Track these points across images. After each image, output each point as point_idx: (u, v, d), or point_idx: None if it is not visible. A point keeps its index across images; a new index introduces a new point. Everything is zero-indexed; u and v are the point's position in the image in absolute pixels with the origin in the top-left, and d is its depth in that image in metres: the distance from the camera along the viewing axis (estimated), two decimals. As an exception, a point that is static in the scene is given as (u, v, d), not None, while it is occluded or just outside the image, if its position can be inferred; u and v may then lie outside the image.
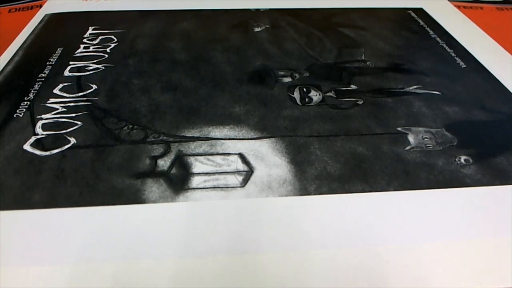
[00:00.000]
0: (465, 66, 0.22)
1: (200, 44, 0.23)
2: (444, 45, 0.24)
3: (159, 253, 0.13)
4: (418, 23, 0.26)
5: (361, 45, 0.24)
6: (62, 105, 0.18)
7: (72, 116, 0.18)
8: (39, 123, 0.17)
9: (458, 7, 0.30)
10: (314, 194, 0.15)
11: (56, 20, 0.26)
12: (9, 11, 0.29)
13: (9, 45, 0.23)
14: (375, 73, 0.21)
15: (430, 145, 0.17)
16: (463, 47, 0.24)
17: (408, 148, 0.17)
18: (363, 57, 0.22)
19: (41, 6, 0.28)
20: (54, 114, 0.18)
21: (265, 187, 0.15)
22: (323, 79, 0.21)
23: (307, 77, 0.21)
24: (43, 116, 0.18)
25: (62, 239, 0.13)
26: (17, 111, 0.18)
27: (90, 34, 0.24)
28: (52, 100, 0.19)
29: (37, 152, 0.16)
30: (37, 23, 0.25)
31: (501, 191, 0.15)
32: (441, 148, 0.17)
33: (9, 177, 0.15)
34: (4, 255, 0.13)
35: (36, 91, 0.19)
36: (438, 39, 0.25)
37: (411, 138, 0.17)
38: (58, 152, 0.16)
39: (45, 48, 0.22)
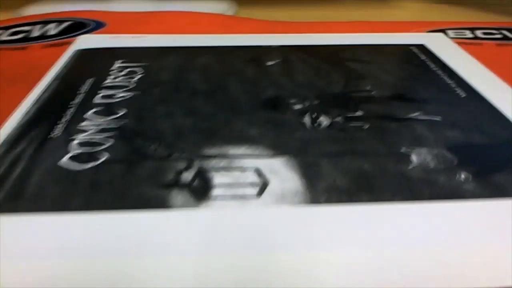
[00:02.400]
0: (464, 95, 0.24)
1: (217, 76, 0.25)
2: (445, 77, 0.26)
3: (182, 251, 0.14)
4: (420, 58, 0.28)
5: (367, 77, 0.26)
6: (94, 127, 0.20)
7: (103, 137, 0.20)
8: (74, 142, 0.19)
9: (459, 43, 0.32)
10: (324, 204, 0.16)
11: (86, 55, 0.28)
12: (42, 46, 0.31)
13: (43, 76, 0.26)
14: (379, 101, 0.23)
15: (432, 164, 0.18)
16: (462, 78, 0.26)
17: (411, 166, 0.18)
18: (368, 88, 0.24)
19: (71, 43, 0.31)
20: (87, 134, 0.20)
21: (279, 198, 0.16)
22: (331, 106, 0.22)
23: (316, 105, 0.22)
24: (77, 136, 0.20)
25: (97, 238, 0.14)
26: (54, 132, 0.20)
27: (117, 67, 0.26)
28: (85, 123, 0.21)
29: (73, 166, 0.18)
30: (68, 57, 0.28)
31: (499, 204, 0.16)
32: (442, 166, 0.18)
33: (49, 186, 0.17)
34: (45, 250, 0.14)
35: (70, 115, 0.21)
36: (438, 71, 0.26)
37: (414, 158, 0.19)
38: (92, 166, 0.18)
39: (77, 78, 0.25)
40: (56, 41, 0.32)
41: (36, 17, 0.38)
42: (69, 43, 0.31)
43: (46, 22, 0.36)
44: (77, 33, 0.33)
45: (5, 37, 0.33)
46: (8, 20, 0.37)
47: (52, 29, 0.35)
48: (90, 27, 0.35)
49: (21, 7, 0.44)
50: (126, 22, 0.35)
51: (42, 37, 0.33)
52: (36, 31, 0.34)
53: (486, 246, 0.15)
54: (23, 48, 0.31)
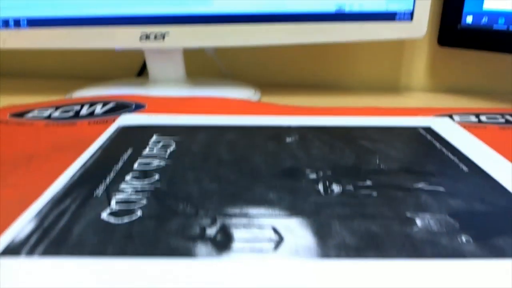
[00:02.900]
0: (467, 170, 0.26)
1: (241, 149, 0.28)
2: (449, 154, 0.28)
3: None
4: (426, 138, 0.31)
5: (376, 152, 0.28)
6: (132, 188, 0.23)
7: (139, 197, 0.22)
8: (113, 200, 0.22)
9: (464, 126, 0.34)
10: (334, 258, 0.18)
11: (127, 130, 0.32)
12: (88, 123, 0.36)
13: (88, 146, 0.29)
14: (387, 173, 0.25)
15: (435, 227, 0.20)
16: (466, 156, 0.28)
17: (415, 229, 0.20)
18: (377, 162, 0.27)
19: (114, 120, 0.35)
20: (125, 194, 0.22)
21: (293, 252, 0.18)
22: (343, 176, 0.25)
23: (330, 175, 0.25)
24: (116, 194, 0.22)
25: (129, 280, 0.16)
26: (96, 191, 0.23)
27: (154, 140, 0.30)
28: (123, 185, 0.23)
29: (112, 220, 0.20)
30: (111, 132, 0.32)
31: (497, 264, 0.17)
32: (444, 230, 0.20)
33: (89, 236, 0.19)
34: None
35: (111, 178, 0.24)
36: (443, 149, 0.29)
37: (418, 221, 0.20)
38: (128, 221, 0.20)
39: (119, 148, 0.28)
40: (101, 119, 0.36)
41: (85, 99, 0.43)
42: (112, 121, 0.35)
43: (93, 103, 0.41)
44: (120, 112, 0.38)
45: (57, 115, 0.38)
46: (61, 100, 0.43)
47: (98, 109, 0.39)
48: (131, 108, 0.39)
49: (72, 91, 0.50)
50: (162, 105, 0.40)
51: (89, 115, 0.37)
52: (85, 110, 0.39)
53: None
54: (72, 124, 0.35)
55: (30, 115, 0.38)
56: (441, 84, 0.57)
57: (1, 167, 0.26)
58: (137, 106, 0.40)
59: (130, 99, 0.42)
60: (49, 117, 0.38)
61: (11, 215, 0.21)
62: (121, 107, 0.39)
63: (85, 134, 0.32)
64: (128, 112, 0.38)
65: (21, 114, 0.38)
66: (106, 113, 0.38)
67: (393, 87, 0.58)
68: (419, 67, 0.56)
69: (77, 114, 0.38)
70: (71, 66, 0.61)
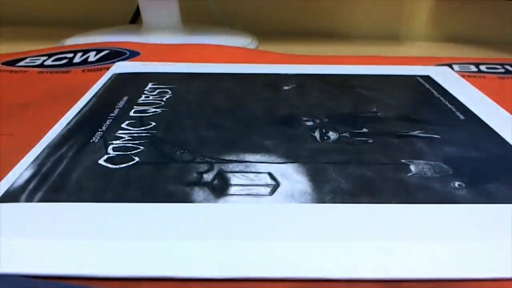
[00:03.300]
0: (464, 118, 0.26)
1: (238, 97, 0.28)
2: (447, 103, 0.28)
3: (202, 237, 0.16)
4: (425, 86, 0.31)
5: (373, 101, 0.28)
6: (128, 135, 0.23)
7: (136, 143, 0.22)
8: (110, 147, 0.22)
9: (463, 76, 0.34)
10: (329, 203, 0.18)
11: (122, 78, 0.31)
12: (82, 71, 0.35)
13: (83, 94, 0.29)
14: (384, 121, 0.25)
15: (428, 173, 0.20)
16: (463, 104, 0.28)
17: (409, 174, 0.20)
18: (374, 110, 0.27)
19: (108, 68, 0.34)
20: (122, 141, 0.22)
21: (288, 196, 0.18)
22: (339, 124, 0.25)
23: (326, 122, 0.25)
24: (113, 142, 0.22)
25: (128, 225, 0.17)
26: (93, 137, 0.23)
27: (149, 88, 0.29)
28: (120, 131, 0.23)
29: (109, 165, 0.20)
30: (106, 80, 0.31)
31: (488, 209, 0.18)
32: (438, 175, 0.20)
33: (88, 181, 0.19)
34: (81, 233, 0.16)
35: (107, 125, 0.24)
36: (441, 98, 0.29)
37: (412, 167, 0.21)
38: (125, 166, 0.20)
39: (114, 96, 0.28)
40: (95, 67, 0.35)
41: (78, 46, 0.42)
42: (107, 69, 0.35)
43: (86, 51, 0.40)
44: (114, 60, 0.37)
45: (50, 62, 0.37)
46: (53, 48, 0.42)
47: (92, 56, 0.39)
48: (126, 55, 0.39)
49: (64, 38, 0.48)
50: (158, 52, 0.39)
51: (83, 63, 0.37)
52: (78, 58, 0.38)
53: (474, 242, 0.16)
54: (65, 72, 0.35)
55: (22, 63, 0.37)
56: (443, 33, 0.56)
57: (-5, 115, 0.26)
58: (132, 54, 0.39)
59: (124, 46, 0.41)
60: (42, 65, 0.37)
61: (7, 163, 0.21)
62: (116, 54, 0.38)
63: (79, 82, 0.32)
64: (123, 59, 0.37)
65: (13, 62, 0.37)
66: (100, 60, 0.37)
67: (393, 36, 0.57)
68: (420, 15, 0.55)
69: (70, 62, 0.37)
70: (63, 13, 0.59)
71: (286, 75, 0.33)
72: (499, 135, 0.24)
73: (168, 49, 0.41)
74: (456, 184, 0.19)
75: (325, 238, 0.16)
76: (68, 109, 0.26)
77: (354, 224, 0.17)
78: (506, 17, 0.54)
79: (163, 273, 0.15)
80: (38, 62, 0.38)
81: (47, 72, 0.35)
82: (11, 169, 0.20)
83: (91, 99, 0.28)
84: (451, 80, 0.32)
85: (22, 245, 0.15)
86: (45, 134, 0.23)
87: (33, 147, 0.22)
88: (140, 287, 0.14)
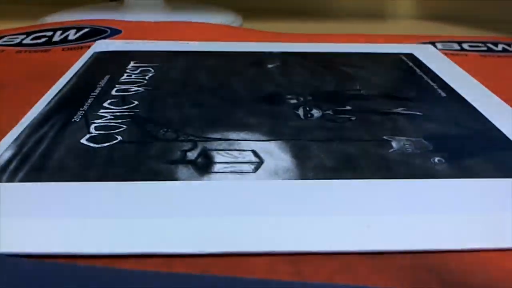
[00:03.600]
0: (445, 95, 0.26)
1: (222, 75, 0.28)
2: (429, 80, 0.28)
3: (187, 214, 0.16)
4: (408, 64, 0.31)
5: (357, 78, 0.28)
6: (111, 114, 0.23)
7: (118, 122, 0.22)
8: (92, 126, 0.22)
9: (445, 54, 0.34)
10: (312, 179, 0.18)
11: (103, 57, 0.31)
12: (62, 49, 0.34)
13: (64, 73, 0.28)
14: (367, 98, 0.25)
15: (409, 149, 0.20)
16: (445, 82, 0.28)
17: (391, 150, 0.20)
18: (357, 87, 0.27)
19: (89, 47, 0.34)
20: (104, 120, 0.22)
21: (272, 173, 0.18)
22: (323, 101, 0.25)
23: (310, 100, 0.25)
24: (95, 121, 0.22)
25: (112, 203, 0.17)
26: (75, 117, 0.22)
27: (131, 66, 0.29)
28: (102, 110, 0.23)
29: (91, 144, 0.20)
30: (87, 58, 0.30)
31: (466, 183, 0.18)
32: (418, 151, 0.20)
33: (70, 160, 0.19)
34: (65, 213, 0.16)
35: (89, 104, 0.24)
36: (424, 76, 0.29)
37: (394, 144, 0.21)
38: (108, 145, 0.20)
39: (95, 75, 0.27)
40: (75, 45, 0.35)
41: (57, 24, 0.41)
42: (87, 47, 0.34)
43: (66, 29, 0.39)
44: (95, 38, 0.36)
45: (28, 41, 0.36)
46: (31, 26, 0.41)
47: (72, 34, 0.38)
48: (107, 33, 0.38)
49: (42, 16, 0.47)
50: (139, 30, 0.38)
51: (63, 41, 0.36)
52: (57, 36, 0.37)
53: (453, 216, 0.17)
54: (45, 51, 0.34)
55: (-1, 41, 0.36)
56: (427, 11, 0.56)
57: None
58: (112, 32, 0.38)
59: (105, 24, 0.40)
60: (20, 43, 0.36)
61: None
62: (96, 32, 0.37)
63: (59, 61, 0.31)
64: (103, 38, 0.36)
65: (-11, 41, 0.36)
66: (80, 39, 0.36)
67: (377, 14, 0.57)
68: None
69: (49, 40, 0.36)
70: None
71: (270, 53, 0.32)
72: (479, 112, 0.24)
73: (150, 27, 0.40)
74: (436, 159, 0.20)
75: (309, 213, 0.16)
76: (48, 89, 0.26)
77: (337, 199, 0.17)
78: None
79: (149, 249, 0.15)
80: (16, 41, 0.37)
81: (25, 51, 0.34)
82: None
83: (71, 78, 0.27)
84: (433, 58, 0.32)
85: (5, 224, 0.15)
86: (24, 115, 0.23)
87: (12, 127, 0.22)
88: (126, 264, 0.14)
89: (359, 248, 0.15)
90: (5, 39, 0.37)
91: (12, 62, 0.32)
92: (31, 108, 0.24)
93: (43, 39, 0.37)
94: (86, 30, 0.39)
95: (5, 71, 0.30)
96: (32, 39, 0.37)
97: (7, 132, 0.21)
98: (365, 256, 0.15)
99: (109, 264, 0.14)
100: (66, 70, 0.29)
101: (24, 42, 0.36)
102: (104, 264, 0.14)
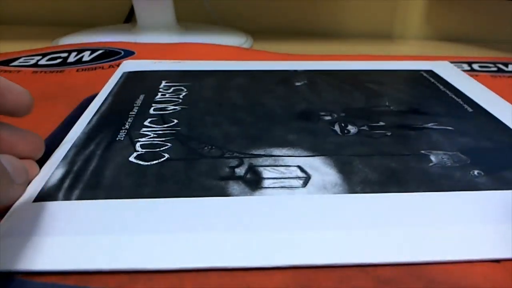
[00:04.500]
0: (472, 110, 0.27)
1: (253, 93, 0.29)
2: (453, 96, 0.29)
3: (245, 228, 0.17)
4: (430, 80, 0.32)
5: (384, 95, 0.29)
6: (153, 132, 0.23)
7: (162, 140, 0.23)
8: (138, 144, 0.22)
9: (461, 71, 0.35)
10: (360, 193, 0.19)
11: (134, 76, 0.32)
12: (77, 70, 0.35)
13: (78, 94, 0.29)
14: (397, 114, 0.26)
15: (448, 163, 0.21)
16: (469, 97, 0.29)
17: (431, 164, 0.21)
18: (386, 103, 0.28)
19: (103, 68, 0.34)
20: (148, 138, 0.23)
21: (321, 188, 0.19)
22: (356, 118, 0.25)
23: (344, 116, 0.26)
24: (139, 139, 0.23)
25: (168, 218, 0.17)
26: (118, 135, 0.23)
27: (164, 86, 0.30)
28: (144, 129, 0.24)
29: (141, 162, 0.21)
30: (118, 78, 0.31)
31: (508, 195, 0.19)
32: (457, 165, 0.21)
33: (122, 178, 0.19)
34: (126, 230, 0.16)
35: (130, 123, 0.24)
36: (447, 91, 0.30)
37: (433, 158, 0.22)
38: (157, 163, 0.21)
39: (130, 94, 0.28)
40: (89, 66, 0.35)
41: (72, 46, 0.41)
42: (101, 68, 0.35)
43: (81, 50, 0.40)
44: (109, 59, 0.37)
45: (44, 62, 0.37)
46: (46, 48, 0.41)
47: (86, 56, 0.38)
48: (121, 55, 0.38)
49: (57, 38, 0.48)
50: (152, 52, 0.39)
51: (77, 62, 0.37)
52: (72, 58, 0.38)
53: (501, 226, 0.17)
54: (60, 71, 0.34)
55: (16, 62, 0.37)
56: (437, 32, 0.57)
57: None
58: (126, 53, 0.39)
59: (119, 46, 0.41)
60: (36, 64, 0.36)
61: None
62: (110, 54, 0.38)
63: (74, 81, 0.32)
64: (117, 59, 0.37)
65: (7, 62, 0.37)
66: (94, 60, 0.37)
67: (387, 35, 0.58)
68: (413, 14, 0.56)
69: (64, 62, 0.37)
70: (57, 12, 0.58)
71: (295, 71, 0.33)
72: (506, 126, 0.25)
73: (163, 48, 0.41)
74: (476, 172, 0.21)
75: (363, 226, 0.17)
76: (63, 109, 0.27)
77: (387, 212, 0.18)
78: (499, 16, 0.56)
79: (207, 264, 0.15)
80: (32, 61, 0.37)
81: (41, 71, 0.35)
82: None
83: (107, 97, 0.28)
84: (453, 74, 0.33)
85: (66, 242, 0.16)
86: (41, 134, 0.23)
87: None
88: (184, 279, 0.15)
89: (410, 260, 0.15)
90: (21, 60, 0.38)
91: (29, 82, 0.32)
92: (46, 127, 0.24)
93: (58, 60, 0.38)
94: (100, 51, 0.40)
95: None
96: (47, 60, 0.38)
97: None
98: (410, 267, 0.15)
99: (170, 280, 0.15)
100: (81, 90, 0.29)
101: (40, 63, 0.37)
102: (161, 279, 0.15)
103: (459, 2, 0.55)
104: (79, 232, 0.16)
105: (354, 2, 0.56)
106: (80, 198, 0.18)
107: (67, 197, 0.18)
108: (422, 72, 0.34)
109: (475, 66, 0.38)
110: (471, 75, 0.36)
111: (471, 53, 0.48)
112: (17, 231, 0.16)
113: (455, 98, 0.29)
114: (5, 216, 0.17)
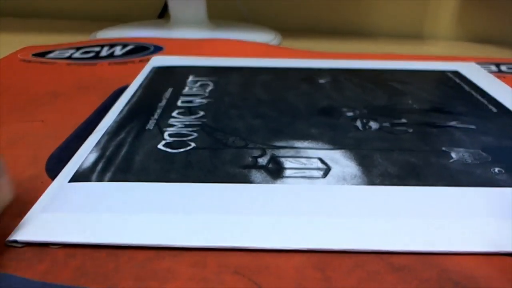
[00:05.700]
0: (496, 111, 0.27)
1: (277, 90, 0.29)
2: (478, 96, 0.29)
3: (265, 213, 0.17)
4: (455, 81, 0.32)
5: (407, 93, 0.29)
6: (180, 123, 0.24)
7: (189, 130, 0.24)
8: (166, 133, 0.23)
9: (488, 72, 0.35)
10: (379, 185, 0.19)
11: (163, 71, 0.33)
12: (109, 64, 0.36)
13: (110, 86, 0.30)
14: (420, 112, 0.26)
15: (469, 160, 0.21)
16: (494, 98, 0.29)
17: (451, 161, 0.21)
18: (409, 102, 0.28)
19: (133, 62, 0.36)
20: (176, 128, 0.24)
21: (340, 179, 0.20)
22: (378, 114, 0.26)
23: (366, 113, 0.26)
24: (167, 129, 0.24)
25: (194, 201, 0.18)
26: (148, 125, 0.24)
27: (191, 80, 0.31)
28: (172, 120, 0.25)
29: (169, 150, 0.22)
30: (147, 72, 0.32)
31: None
32: (478, 162, 0.21)
33: (151, 163, 0.20)
34: (154, 210, 0.17)
35: (158, 114, 0.25)
36: (472, 92, 0.30)
37: (453, 154, 0.22)
38: (184, 151, 0.22)
39: (159, 87, 0.29)
40: (120, 60, 0.37)
41: (105, 41, 0.43)
42: (131, 62, 0.36)
43: (113, 45, 0.42)
44: (139, 54, 0.38)
45: (78, 55, 0.39)
46: (80, 42, 0.43)
47: (118, 50, 0.40)
48: (150, 50, 0.40)
49: (94, 32, 0.50)
50: (181, 47, 0.40)
51: (109, 56, 0.38)
52: (104, 52, 0.40)
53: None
54: (93, 64, 0.36)
55: (51, 55, 0.39)
56: (468, 32, 0.57)
57: (29, 103, 0.27)
58: (155, 49, 0.41)
59: (149, 41, 0.42)
60: (70, 57, 0.38)
61: (42, 147, 0.22)
62: (140, 49, 0.40)
63: (105, 74, 0.33)
64: (147, 54, 0.39)
65: (43, 54, 0.39)
66: (125, 54, 0.39)
67: (417, 35, 0.58)
68: (444, 14, 0.56)
69: (97, 55, 0.39)
70: (95, 7, 0.60)
71: (320, 69, 0.34)
72: (531, 126, 0.25)
73: (190, 44, 0.42)
74: (496, 169, 0.21)
75: (380, 215, 0.17)
76: (96, 99, 0.28)
77: (404, 203, 0.18)
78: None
79: (229, 243, 0.16)
80: (67, 54, 0.39)
81: (75, 64, 0.37)
82: (48, 153, 0.22)
83: (137, 89, 0.29)
84: (479, 75, 0.33)
85: (98, 218, 0.17)
86: (74, 121, 0.24)
87: (64, 133, 0.23)
88: (207, 257, 0.15)
89: (427, 249, 0.16)
90: (56, 52, 0.40)
91: (63, 74, 0.34)
92: (80, 115, 0.25)
93: (91, 54, 0.39)
94: (131, 46, 0.41)
95: (56, 82, 0.32)
96: (81, 53, 0.39)
97: (60, 137, 0.23)
98: (429, 256, 0.16)
99: (194, 257, 0.15)
100: (112, 83, 0.31)
101: (73, 56, 0.39)
102: (188, 256, 0.15)
103: (491, 3, 0.54)
104: (111, 210, 0.17)
105: (385, 1, 0.56)
106: (111, 180, 0.19)
107: (99, 179, 0.19)
108: (448, 73, 0.34)
109: (503, 68, 0.38)
110: (499, 77, 0.35)
111: (500, 54, 0.47)
112: (53, 207, 0.17)
113: (480, 98, 0.29)
114: (43, 194, 0.18)
